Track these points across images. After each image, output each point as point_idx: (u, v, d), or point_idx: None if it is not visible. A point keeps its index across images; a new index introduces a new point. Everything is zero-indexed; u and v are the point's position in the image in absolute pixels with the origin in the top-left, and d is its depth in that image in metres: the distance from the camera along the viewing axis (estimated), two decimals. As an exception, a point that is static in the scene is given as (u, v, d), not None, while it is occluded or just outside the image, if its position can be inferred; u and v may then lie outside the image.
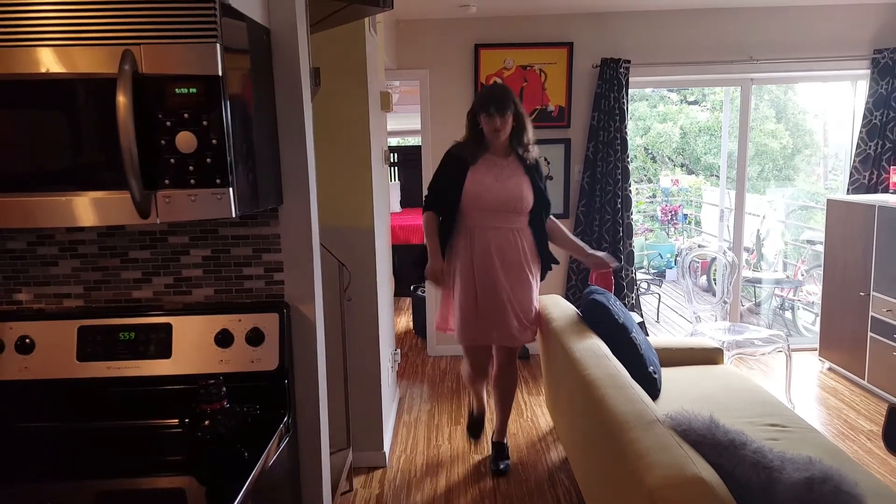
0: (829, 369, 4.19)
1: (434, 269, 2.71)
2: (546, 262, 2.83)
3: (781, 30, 4.26)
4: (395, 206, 7.29)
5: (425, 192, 2.79)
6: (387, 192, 3.65)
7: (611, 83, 4.20)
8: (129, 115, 1.04)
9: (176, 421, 1.37)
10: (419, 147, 4.57)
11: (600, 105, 4.25)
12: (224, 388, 1.28)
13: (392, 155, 7.46)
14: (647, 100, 9.63)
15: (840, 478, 1.47)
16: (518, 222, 2.69)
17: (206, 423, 1.25)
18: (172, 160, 1.10)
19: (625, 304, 4.27)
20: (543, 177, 2.79)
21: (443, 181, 2.71)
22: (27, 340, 1.37)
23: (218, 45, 1.09)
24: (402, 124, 7.60)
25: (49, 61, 1.08)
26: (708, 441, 1.54)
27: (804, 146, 9.31)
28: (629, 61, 4.22)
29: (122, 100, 1.04)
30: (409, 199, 7.50)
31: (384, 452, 3.04)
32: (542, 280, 2.86)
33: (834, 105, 7.88)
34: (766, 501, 1.48)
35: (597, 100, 4.26)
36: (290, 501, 1.50)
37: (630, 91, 4.31)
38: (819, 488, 1.44)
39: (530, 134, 2.70)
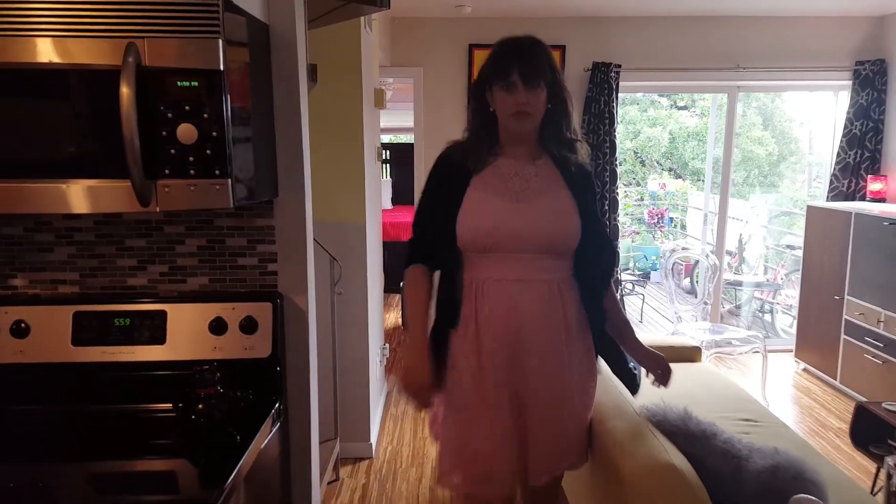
0: (804, 370, 4.30)
1: (413, 376, 1.53)
2: (611, 353, 1.71)
3: (768, 40, 4.36)
4: (387, 203, 7.33)
5: (411, 237, 1.65)
6: (379, 189, 3.70)
7: (601, 87, 4.28)
8: (132, 107, 1.08)
9: (170, 405, 1.41)
10: (412, 145, 4.62)
11: (591, 108, 4.32)
12: (218, 374, 1.32)
13: (384, 152, 7.50)
14: (637, 104, 9.74)
15: (803, 466, 1.55)
16: (558, 270, 1.55)
17: (201, 406, 1.29)
18: (173, 151, 1.14)
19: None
20: (596, 192, 1.68)
21: (432, 206, 1.58)
22: (22, 325, 1.40)
23: (220, 41, 1.13)
24: (394, 121, 7.63)
25: (54, 52, 1.11)
26: (681, 432, 1.61)
27: (790, 153, 9.47)
28: (620, 66, 4.29)
29: (125, 91, 1.08)
30: (400, 196, 7.55)
31: (371, 444, 3.09)
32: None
33: (820, 114, 8.04)
34: (735, 488, 1.55)
35: (587, 103, 4.33)
36: (280, 488, 1.54)
37: (620, 95, 4.39)
38: (783, 475, 1.52)
39: (575, 121, 1.61)
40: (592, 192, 1.63)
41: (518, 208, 1.51)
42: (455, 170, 1.55)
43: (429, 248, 1.59)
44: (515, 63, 1.47)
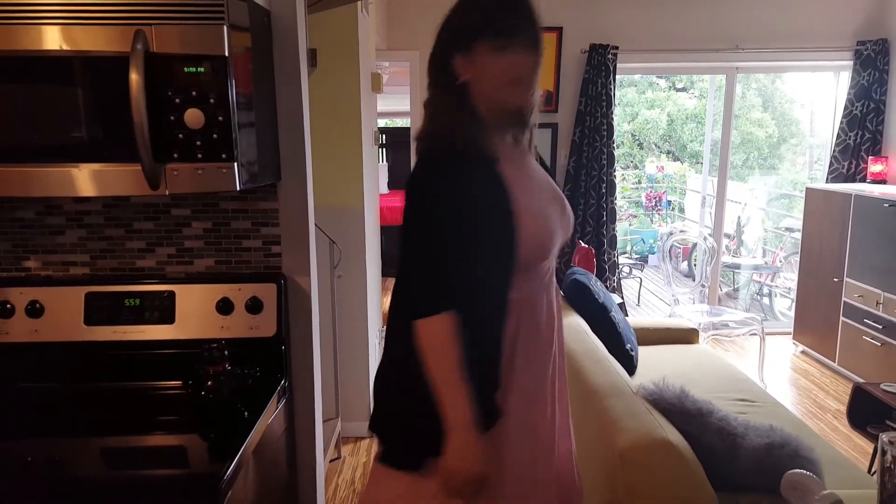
0: (802, 352, 4.35)
1: (470, 469, 1.12)
2: None
3: (767, 20, 4.35)
4: (383, 188, 7.34)
5: (426, 271, 1.14)
6: (376, 174, 3.72)
7: (598, 69, 4.27)
8: (141, 92, 1.11)
9: (179, 383, 1.45)
10: (408, 129, 4.62)
11: (588, 90, 4.32)
12: (226, 352, 1.36)
13: (381, 136, 7.49)
14: (635, 86, 9.70)
15: (798, 443, 1.60)
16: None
17: (210, 383, 1.33)
18: (181, 135, 1.17)
19: (606, 287, 4.38)
20: None
21: (477, 220, 1.13)
22: (37, 305, 1.44)
23: (225, 27, 1.15)
24: (390, 105, 7.61)
25: (64, 39, 1.14)
26: (677, 409, 1.65)
27: (790, 135, 9.46)
28: (617, 47, 4.29)
29: (134, 77, 1.10)
30: (396, 180, 7.55)
31: (372, 424, 3.14)
32: None
33: (820, 95, 8.03)
34: (730, 464, 1.59)
35: (584, 85, 4.33)
36: (286, 463, 1.59)
37: (618, 77, 4.38)
38: (778, 452, 1.56)
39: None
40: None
41: (557, 206, 1.24)
42: (475, 162, 1.14)
43: (463, 282, 1.13)
44: (517, 15, 1.11)
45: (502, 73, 1.13)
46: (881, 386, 2.65)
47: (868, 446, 2.96)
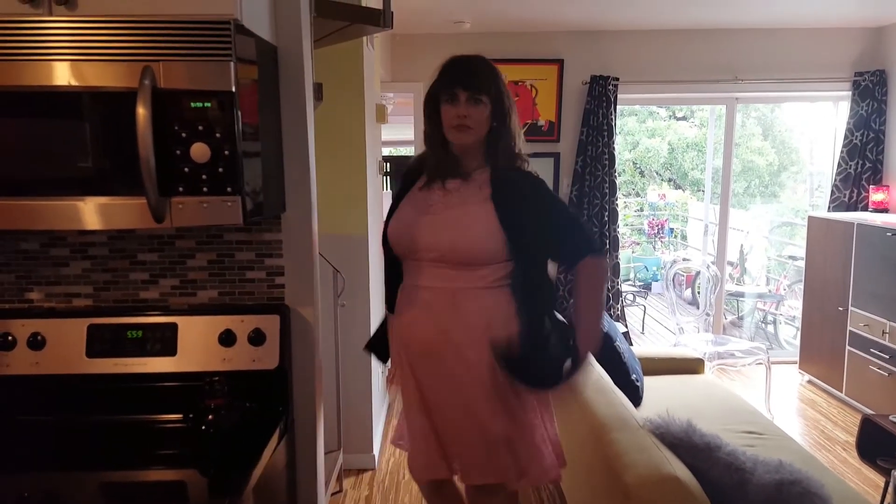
0: (809, 382, 4.30)
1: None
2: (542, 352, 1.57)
3: (766, 51, 4.41)
4: (387, 215, 7.35)
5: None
6: (380, 202, 3.73)
7: (599, 100, 4.32)
8: (147, 127, 1.12)
9: (180, 416, 1.43)
10: (411, 157, 4.65)
11: (589, 121, 4.36)
12: (227, 385, 1.35)
13: (385, 165, 7.53)
14: (636, 115, 9.80)
15: (808, 480, 1.56)
16: (459, 280, 1.57)
17: (210, 417, 1.32)
18: (186, 169, 1.17)
19: (610, 315, 4.36)
20: (546, 200, 1.62)
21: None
22: (38, 337, 1.43)
23: (232, 63, 1.17)
24: (394, 135, 7.69)
25: (72, 75, 1.15)
26: (685, 444, 1.63)
27: (790, 163, 9.51)
28: (618, 79, 4.34)
29: (141, 112, 1.11)
30: (401, 208, 7.57)
31: (374, 455, 3.10)
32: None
33: (820, 124, 8.09)
34: (738, 501, 1.56)
35: (586, 115, 4.38)
36: (286, 498, 1.56)
37: (619, 107, 4.43)
38: (788, 489, 1.53)
39: (520, 141, 1.65)
40: (537, 211, 1.57)
41: (422, 220, 1.61)
42: (407, 176, 1.73)
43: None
44: (459, 78, 1.58)
45: (448, 115, 1.59)
46: (890, 417, 2.61)
47: (879, 479, 2.91)
